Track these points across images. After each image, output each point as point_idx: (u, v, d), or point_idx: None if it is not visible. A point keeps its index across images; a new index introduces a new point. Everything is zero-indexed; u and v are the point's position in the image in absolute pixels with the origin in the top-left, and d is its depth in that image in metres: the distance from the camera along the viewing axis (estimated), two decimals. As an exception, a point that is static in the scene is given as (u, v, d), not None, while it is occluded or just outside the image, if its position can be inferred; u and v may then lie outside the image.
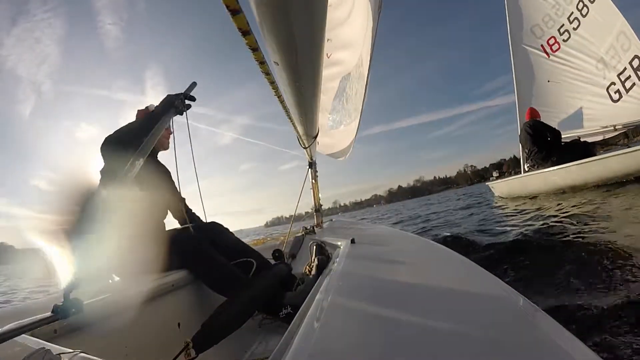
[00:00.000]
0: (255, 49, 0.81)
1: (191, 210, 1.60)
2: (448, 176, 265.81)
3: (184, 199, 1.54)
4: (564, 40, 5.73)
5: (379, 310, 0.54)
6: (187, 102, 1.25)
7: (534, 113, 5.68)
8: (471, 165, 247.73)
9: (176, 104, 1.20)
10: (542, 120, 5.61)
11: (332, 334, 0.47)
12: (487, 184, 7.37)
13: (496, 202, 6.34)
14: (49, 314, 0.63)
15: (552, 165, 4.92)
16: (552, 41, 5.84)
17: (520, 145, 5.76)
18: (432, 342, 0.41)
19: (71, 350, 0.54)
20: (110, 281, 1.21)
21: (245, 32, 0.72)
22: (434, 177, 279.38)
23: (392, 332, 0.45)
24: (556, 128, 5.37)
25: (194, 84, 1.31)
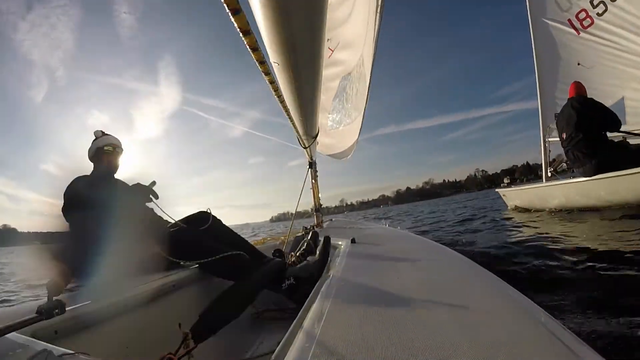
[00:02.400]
0: (255, 49, 0.81)
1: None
2: (458, 180, 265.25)
3: (151, 209, 1.52)
4: (597, 14, 4.42)
5: (381, 310, 0.54)
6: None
7: (580, 89, 3.96)
8: (482, 170, 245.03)
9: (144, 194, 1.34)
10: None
11: (334, 334, 0.47)
12: (497, 190, 6.22)
13: (512, 217, 4.74)
14: (33, 315, 0.66)
15: (595, 168, 3.50)
16: (582, 15, 4.55)
17: (557, 129, 4.08)
18: (433, 342, 0.41)
19: (72, 352, 0.54)
20: (110, 282, 1.21)
21: (246, 32, 0.72)
22: (444, 180, 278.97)
23: (394, 332, 0.45)
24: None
25: (154, 183, 1.41)
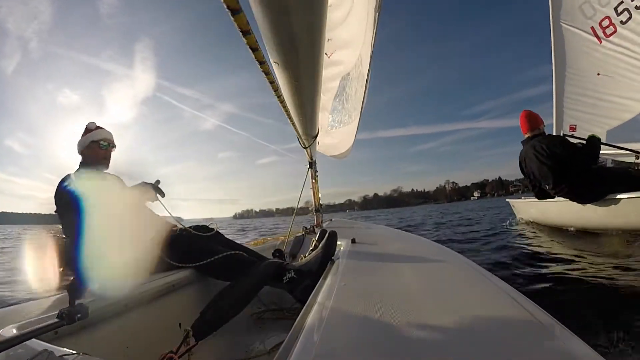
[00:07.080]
0: (255, 49, 0.81)
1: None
2: (427, 190, 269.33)
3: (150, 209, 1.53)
4: (621, 22, 4.24)
5: (381, 310, 0.54)
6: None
7: (533, 122, 3.60)
8: (452, 182, 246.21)
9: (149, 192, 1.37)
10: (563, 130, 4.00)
11: (336, 334, 0.47)
12: (507, 200, 5.56)
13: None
14: (55, 320, 0.64)
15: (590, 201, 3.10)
16: (605, 22, 4.38)
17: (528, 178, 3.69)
18: (435, 342, 0.41)
19: (73, 352, 0.54)
20: (110, 282, 1.21)
21: (245, 32, 0.72)
22: (412, 189, 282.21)
23: (395, 333, 0.45)
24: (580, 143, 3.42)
25: (158, 182, 1.43)
